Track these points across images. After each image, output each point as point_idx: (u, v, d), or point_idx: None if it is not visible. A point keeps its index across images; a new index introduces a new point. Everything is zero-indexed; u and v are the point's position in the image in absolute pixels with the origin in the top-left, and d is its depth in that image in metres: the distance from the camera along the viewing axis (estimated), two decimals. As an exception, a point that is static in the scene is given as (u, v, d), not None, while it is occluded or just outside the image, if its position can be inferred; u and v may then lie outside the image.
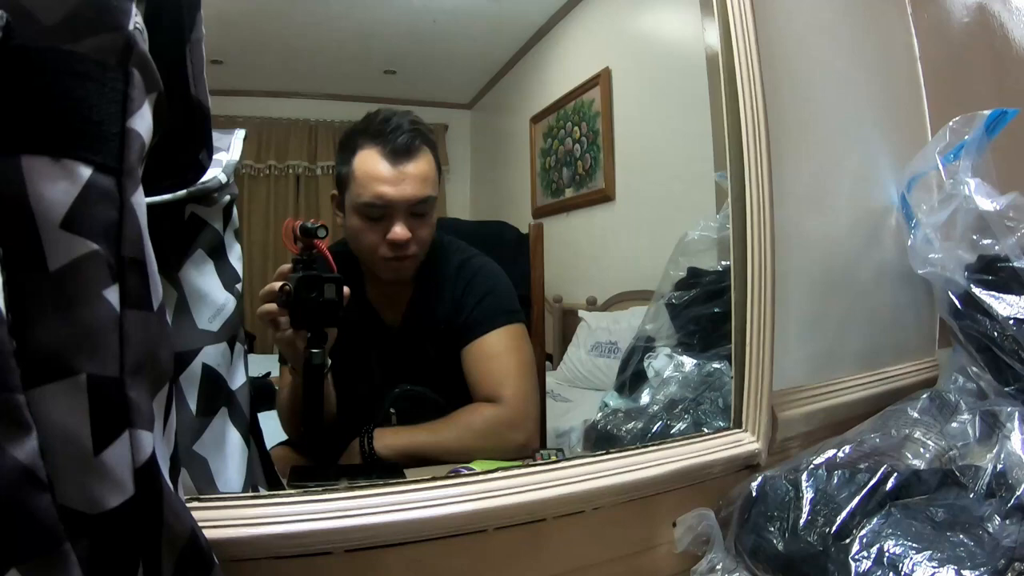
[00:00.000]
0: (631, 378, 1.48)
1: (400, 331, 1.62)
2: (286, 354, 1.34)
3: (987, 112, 1.25)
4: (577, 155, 4.26)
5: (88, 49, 0.46)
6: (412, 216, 1.47)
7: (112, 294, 0.45)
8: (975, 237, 1.22)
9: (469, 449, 1.41)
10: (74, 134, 0.45)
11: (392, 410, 1.48)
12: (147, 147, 0.50)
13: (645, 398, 1.38)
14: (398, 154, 1.45)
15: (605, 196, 3.90)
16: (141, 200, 0.48)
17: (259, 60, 4.97)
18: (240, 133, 1.01)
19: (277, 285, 1.22)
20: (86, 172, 0.44)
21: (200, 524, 0.69)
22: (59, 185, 0.43)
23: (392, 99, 5.58)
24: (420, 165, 1.46)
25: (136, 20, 0.49)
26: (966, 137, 1.26)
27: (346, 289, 1.23)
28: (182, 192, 0.82)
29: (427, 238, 1.53)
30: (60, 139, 0.44)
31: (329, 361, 1.28)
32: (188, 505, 0.72)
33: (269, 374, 2.55)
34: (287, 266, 1.25)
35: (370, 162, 1.45)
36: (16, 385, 0.40)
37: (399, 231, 1.45)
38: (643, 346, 1.49)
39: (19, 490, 0.39)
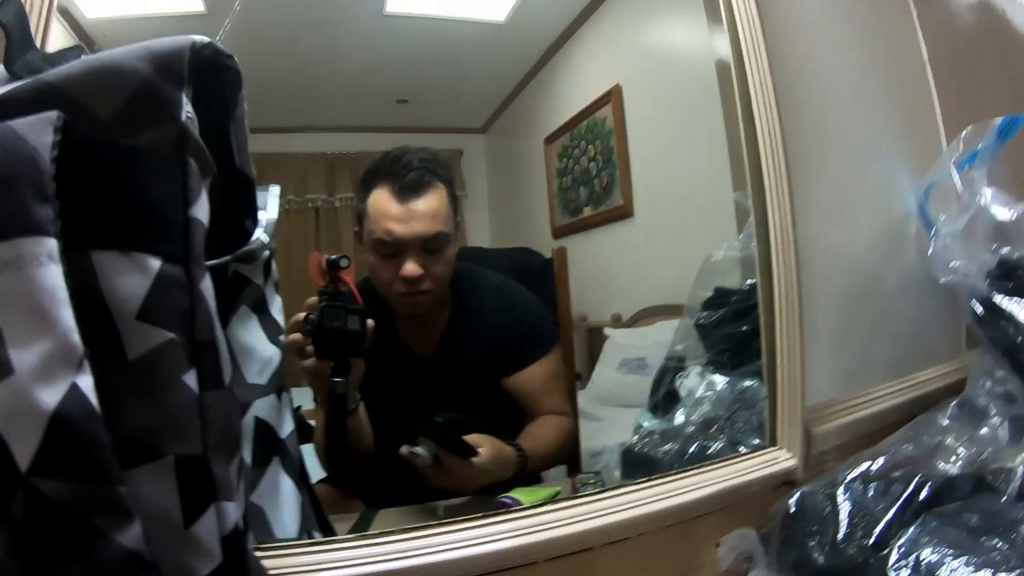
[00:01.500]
0: (664, 398, 1.49)
1: (434, 362, 1.64)
2: (311, 384, 1.36)
3: (998, 120, 1.27)
4: (593, 173, 4.25)
5: (146, 142, 0.48)
6: (425, 252, 1.48)
7: (191, 378, 0.48)
8: (994, 244, 1.23)
9: (556, 454, 1.58)
10: (140, 227, 0.47)
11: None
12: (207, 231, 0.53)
13: (679, 418, 1.40)
14: (406, 191, 1.46)
15: (624, 213, 3.89)
16: (209, 284, 0.51)
17: (272, 98, 4.97)
18: (275, 190, 1.03)
19: (303, 315, 1.25)
20: (156, 264, 0.47)
21: (263, 573, 0.72)
22: (131, 278, 0.46)
23: (406, 128, 5.60)
24: (430, 202, 1.47)
25: (187, 109, 0.52)
26: (979, 145, 1.28)
27: (370, 321, 1.26)
28: (227, 257, 0.85)
29: (442, 274, 1.54)
30: (127, 233, 0.47)
31: (359, 395, 1.30)
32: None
33: (300, 408, 2.56)
34: (314, 298, 1.27)
35: (381, 200, 1.47)
36: (118, 478, 0.43)
37: (410, 268, 1.46)
38: (674, 366, 1.51)
39: (130, 575, 0.43)
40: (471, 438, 1.32)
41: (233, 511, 0.50)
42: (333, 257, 1.26)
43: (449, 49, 4.52)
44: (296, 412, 2.23)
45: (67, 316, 0.43)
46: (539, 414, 1.60)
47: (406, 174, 1.47)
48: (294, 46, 4.29)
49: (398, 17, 4.06)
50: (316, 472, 1.53)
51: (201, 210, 0.51)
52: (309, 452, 1.54)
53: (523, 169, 5.50)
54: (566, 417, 1.64)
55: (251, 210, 0.73)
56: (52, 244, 0.43)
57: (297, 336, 1.26)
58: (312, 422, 1.62)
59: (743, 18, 1.22)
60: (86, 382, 0.42)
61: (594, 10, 4.08)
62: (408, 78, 4.97)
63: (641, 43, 3.71)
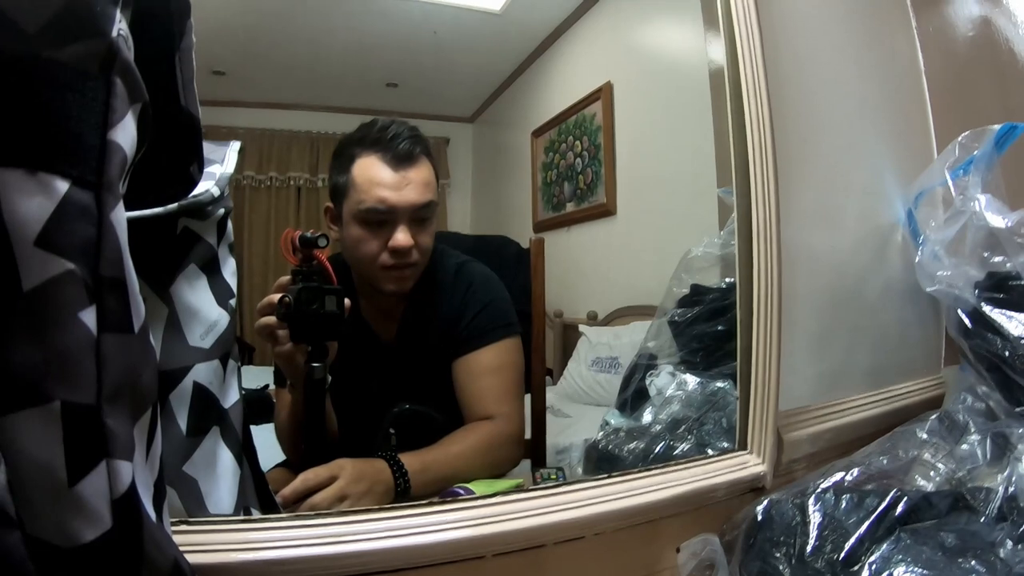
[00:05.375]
0: (633, 396, 1.46)
1: (396, 346, 1.59)
2: (285, 369, 1.29)
3: (996, 127, 1.24)
4: (578, 169, 4.25)
5: (69, 57, 0.44)
6: (414, 223, 1.43)
7: (88, 316, 0.43)
8: (985, 254, 1.20)
9: (472, 470, 1.36)
10: (51, 146, 0.42)
11: (392, 430, 1.44)
12: (130, 160, 0.48)
13: (647, 417, 1.36)
14: (400, 160, 1.42)
15: (606, 211, 3.89)
16: (122, 216, 0.46)
17: (261, 72, 4.98)
18: (235, 145, 0.98)
19: (276, 297, 1.18)
20: (63, 186, 0.42)
21: (188, 548, 0.67)
22: (34, 200, 0.41)
23: (394, 112, 5.55)
24: (421, 171, 1.44)
25: (120, 27, 0.47)
26: (975, 152, 1.25)
27: (347, 301, 1.20)
28: (173, 206, 0.80)
29: (428, 246, 1.50)
30: (36, 151, 0.42)
31: (329, 377, 1.24)
32: (176, 529, 0.71)
33: (268, 386, 2.51)
34: (286, 278, 1.22)
35: (372, 169, 1.42)
36: None
37: (401, 237, 1.41)
38: (645, 363, 1.47)
39: None
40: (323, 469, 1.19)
41: (128, 471, 0.45)
42: (308, 234, 1.19)
43: (442, 35, 4.50)
44: (263, 391, 2.18)
45: None
46: (471, 414, 1.50)
47: (398, 143, 1.42)
48: (286, 21, 4.27)
49: (393, -1, 4.05)
50: (273, 455, 1.48)
51: (123, 135, 0.47)
52: (270, 430, 1.49)
53: (509, 161, 5.51)
54: (495, 422, 1.48)
55: (197, 155, 0.68)
56: None
57: (270, 320, 1.19)
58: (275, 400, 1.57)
59: (740, 18, 1.19)
60: None
61: (590, 6, 4.10)
62: (399, 62, 4.98)
63: (635, 42, 3.72)
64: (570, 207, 4.38)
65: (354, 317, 1.51)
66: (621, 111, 3.86)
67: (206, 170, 0.82)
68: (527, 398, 1.68)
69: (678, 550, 0.96)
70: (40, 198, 0.41)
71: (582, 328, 3.73)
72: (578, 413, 3.08)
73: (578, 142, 4.28)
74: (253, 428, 0.97)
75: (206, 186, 0.86)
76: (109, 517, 0.43)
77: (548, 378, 3.66)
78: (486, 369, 1.52)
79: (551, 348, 3.98)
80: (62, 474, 0.41)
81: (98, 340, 0.43)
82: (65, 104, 0.43)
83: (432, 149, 1.53)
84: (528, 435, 1.68)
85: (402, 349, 1.58)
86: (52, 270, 0.41)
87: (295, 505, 1.11)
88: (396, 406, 1.45)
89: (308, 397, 1.21)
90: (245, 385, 1.03)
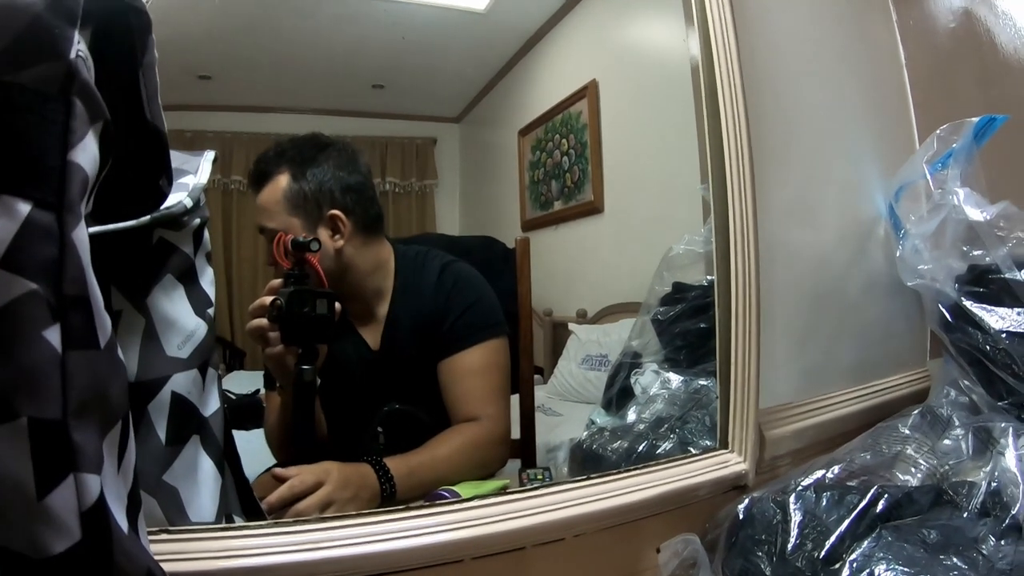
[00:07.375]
0: (618, 394, 1.45)
1: (381, 348, 1.58)
2: (275, 371, 1.31)
3: (975, 119, 1.23)
4: (565, 167, 4.24)
5: (28, 80, 0.44)
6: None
7: (53, 335, 0.44)
8: (965, 248, 1.20)
9: (458, 472, 1.35)
10: (12, 169, 0.43)
11: (380, 430, 1.44)
12: (92, 180, 0.49)
13: (631, 416, 1.36)
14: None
15: (594, 208, 3.89)
16: (83, 236, 0.47)
17: (247, 76, 4.96)
18: (209, 155, 0.98)
19: (268, 300, 1.19)
20: (24, 208, 0.43)
21: (169, 556, 0.67)
22: None
23: (380, 113, 5.59)
24: (264, 195, 1.46)
25: (79, 48, 0.48)
26: (954, 145, 1.25)
27: (337, 305, 1.22)
28: (146, 218, 0.79)
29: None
30: None
31: (319, 380, 1.25)
32: (156, 537, 0.70)
33: (258, 391, 2.52)
34: (278, 281, 1.23)
35: None
36: None
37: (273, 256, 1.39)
38: (629, 362, 1.47)
39: None
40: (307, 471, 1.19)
41: (96, 484, 0.46)
42: (300, 239, 1.22)
43: (428, 35, 4.50)
44: (254, 396, 2.18)
45: None
46: (457, 416, 1.49)
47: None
48: (271, 25, 4.26)
49: (378, 0, 4.03)
50: (264, 460, 1.47)
51: (83, 156, 0.47)
52: (258, 437, 1.49)
53: (496, 160, 5.50)
54: (480, 424, 1.47)
55: (165, 168, 0.68)
56: None
57: (262, 322, 1.20)
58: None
59: (714, 10, 1.19)
60: None
61: (575, 4, 4.08)
62: (384, 63, 4.96)
63: (620, 39, 3.71)
64: (558, 205, 4.37)
65: (340, 320, 1.51)
66: (607, 109, 3.85)
67: (179, 181, 0.83)
68: (515, 398, 1.67)
69: (659, 550, 0.96)
70: (2, 221, 0.42)
71: (571, 326, 3.72)
72: (569, 411, 3.07)
73: (564, 140, 4.27)
74: (244, 433, 0.97)
75: (178, 197, 0.86)
76: (78, 529, 0.44)
77: (539, 376, 3.66)
78: (471, 370, 1.51)
79: (541, 347, 3.98)
80: (31, 488, 0.42)
81: (63, 357, 0.44)
82: (25, 127, 0.44)
83: (305, 158, 1.51)
84: (517, 435, 1.67)
85: (387, 351, 1.57)
86: (15, 291, 0.42)
87: (281, 511, 1.11)
88: (386, 405, 1.45)
89: (297, 399, 1.21)
90: (236, 390, 1.03)
